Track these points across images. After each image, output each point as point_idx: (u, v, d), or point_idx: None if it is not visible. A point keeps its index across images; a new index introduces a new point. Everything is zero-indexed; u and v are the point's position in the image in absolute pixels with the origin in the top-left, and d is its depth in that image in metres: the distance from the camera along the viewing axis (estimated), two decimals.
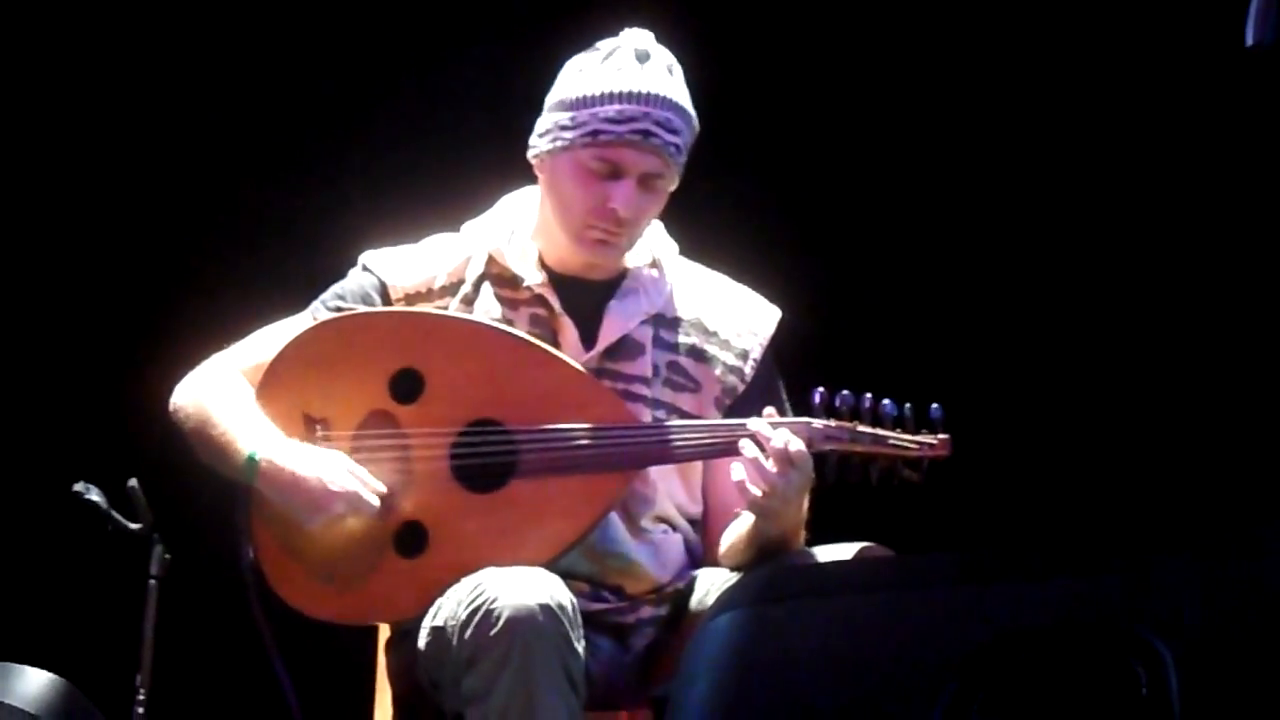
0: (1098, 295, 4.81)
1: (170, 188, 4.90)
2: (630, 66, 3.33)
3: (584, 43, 3.40)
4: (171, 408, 3.39)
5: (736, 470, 3.21)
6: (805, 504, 3.28)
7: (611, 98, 3.31)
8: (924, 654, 2.34)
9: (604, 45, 3.38)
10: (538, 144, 3.38)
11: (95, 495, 3.73)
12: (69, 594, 4.74)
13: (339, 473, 3.25)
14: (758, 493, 3.18)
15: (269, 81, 4.89)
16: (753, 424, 3.22)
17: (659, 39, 3.39)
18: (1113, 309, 4.80)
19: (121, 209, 4.90)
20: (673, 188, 3.38)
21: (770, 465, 3.17)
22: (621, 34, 3.39)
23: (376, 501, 3.25)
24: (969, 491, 4.24)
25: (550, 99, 3.39)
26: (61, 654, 3.77)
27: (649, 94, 3.31)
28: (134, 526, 3.72)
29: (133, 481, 3.74)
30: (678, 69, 3.37)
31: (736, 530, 3.37)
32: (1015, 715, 2.29)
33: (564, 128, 3.33)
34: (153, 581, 3.74)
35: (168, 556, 3.74)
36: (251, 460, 3.27)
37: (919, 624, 2.37)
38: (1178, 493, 4.58)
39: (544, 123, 3.38)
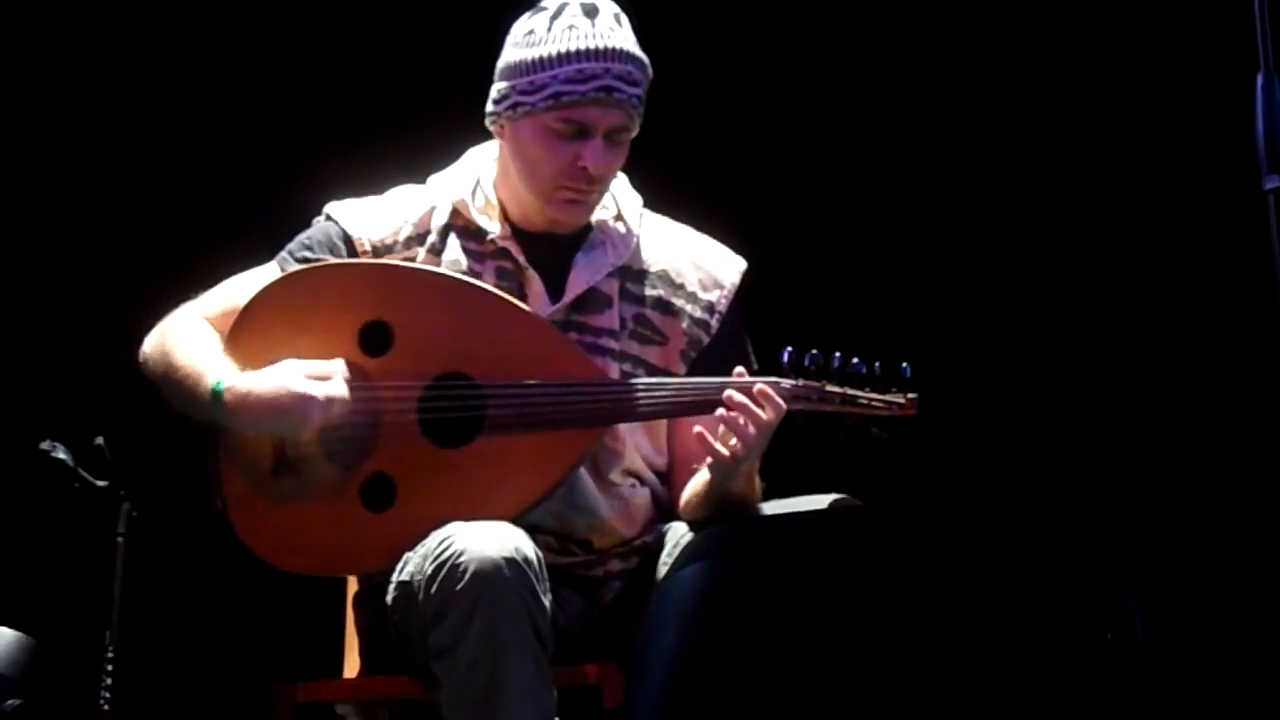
0: (1066, 254, 4.82)
1: (132, 144, 4.88)
2: (581, 23, 3.30)
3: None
4: (140, 359, 3.36)
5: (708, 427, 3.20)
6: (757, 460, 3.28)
7: (569, 57, 3.28)
8: (888, 605, 2.35)
9: (549, 3, 3.35)
10: (496, 110, 3.35)
11: (62, 453, 3.72)
12: (36, 552, 4.73)
13: (300, 380, 3.21)
14: (726, 453, 3.19)
15: (231, 36, 4.88)
16: (725, 393, 3.21)
17: None
18: (1082, 268, 4.81)
19: (83, 167, 4.88)
20: (634, 136, 3.37)
21: (749, 427, 3.18)
22: None
23: (346, 391, 3.22)
24: (938, 449, 4.26)
25: (502, 64, 3.35)
26: (29, 612, 3.76)
27: (606, 49, 3.29)
28: (100, 484, 3.72)
29: (99, 439, 3.73)
30: (624, 17, 3.35)
31: (695, 485, 3.36)
32: (982, 664, 2.30)
33: (523, 92, 3.31)
34: (120, 539, 3.73)
35: (134, 514, 3.74)
36: (216, 393, 3.24)
37: (883, 575, 2.38)
38: (1145, 449, 4.59)
39: (499, 89, 3.35)
